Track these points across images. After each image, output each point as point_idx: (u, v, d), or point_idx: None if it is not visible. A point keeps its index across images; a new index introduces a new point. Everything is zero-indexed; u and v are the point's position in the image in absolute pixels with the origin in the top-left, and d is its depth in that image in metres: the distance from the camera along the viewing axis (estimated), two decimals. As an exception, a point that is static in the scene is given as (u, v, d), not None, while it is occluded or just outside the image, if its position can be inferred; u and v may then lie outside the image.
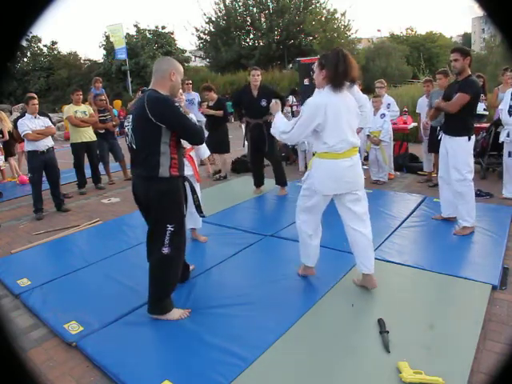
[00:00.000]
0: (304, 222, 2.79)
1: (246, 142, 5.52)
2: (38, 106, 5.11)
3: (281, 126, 2.63)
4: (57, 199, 5.30)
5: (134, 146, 2.37)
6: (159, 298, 2.52)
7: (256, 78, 4.85)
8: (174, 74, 2.39)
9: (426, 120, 4.39)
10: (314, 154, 2.69)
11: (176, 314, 2.54)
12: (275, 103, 2.83)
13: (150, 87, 2.40)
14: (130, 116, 2.43)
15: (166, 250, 2.41)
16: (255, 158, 5.23)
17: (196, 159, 3.58)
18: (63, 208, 5.31)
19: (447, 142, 3.65)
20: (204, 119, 7.40)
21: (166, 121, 2.27)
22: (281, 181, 5.24)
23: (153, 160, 2.31)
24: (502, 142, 4.81)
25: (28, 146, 5.04)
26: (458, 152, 3.56)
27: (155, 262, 2.48)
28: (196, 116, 7.30)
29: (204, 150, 3.59)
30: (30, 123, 4.98)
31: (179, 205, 2.46)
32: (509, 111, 4.64)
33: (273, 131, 2.72)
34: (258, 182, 5.35)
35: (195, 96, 7.50)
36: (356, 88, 2.65)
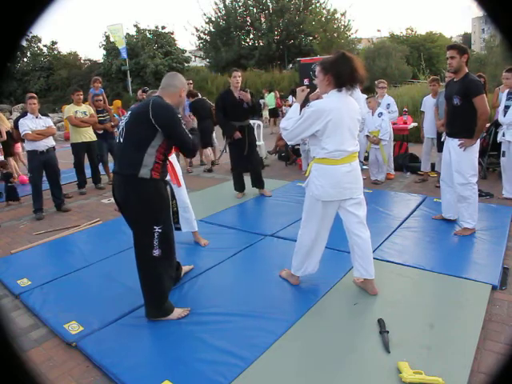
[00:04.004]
0: (305, 234, 2.71)
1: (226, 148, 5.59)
2: (36, 105, 5.08)
3: (284, 122, 2.57)
4: (57, 199, 5.30)
5: (122, 139, 2.35)
6: (158, 302, 2.51)
7: (238, 79, 4.86)
8: (184, 91, 2.56)
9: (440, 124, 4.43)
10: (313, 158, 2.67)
11: (175, 313, 2.54)
12: (301, 90, 2.65)
13: (157, 94, 2.48)
14: (129, 112, 2.44)
15: (156, 252, 2.39)
16: (238, 162, 5.19)
17: (178, 167, 3.56)
18: (63, 208, 5.31)
19: (451, 145, 3.61)
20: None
21: (165, 126, 2.29)
22: (259, 183, 5.26)
23: (137, 157, 2.28)
24: (499, 142, 4.84)
25: (28, 146, 5.05)
26: (462, 155, 3.50)
27: (147, 267, 2.44)
28: None
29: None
30: (31, 123, 4.99)
31: (163, 205, 2.43)
32: (504, 111, 4.66)
33: (281, 124, 2.64)
34: (240, 187, 5.32)
35: None
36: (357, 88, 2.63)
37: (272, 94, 13.65)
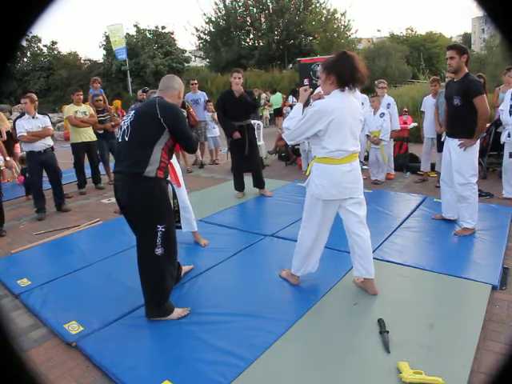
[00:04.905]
0: (305, 234, 2.72)
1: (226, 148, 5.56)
2: (28, 105, 4.98)
3: (287, 121, 2.56)
4: (58, 199, 5.29)
5: (127, 138, 2.37)
6: (158, 302, 2.51)
7: (237, 80, 4.86)
8: (181, 93, 2.66)
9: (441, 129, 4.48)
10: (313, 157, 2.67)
11: (175, 313, 2.54)
12: (304, 90, 2.64)
13: (157, 95, 2.54)
14: (132, 112, 2.46)
15: (159, 251, 2.40)
16: (238, 162, 5.22)
17: (178, 167, 3.57)
18: (63, 208, 5.30)
19: (451, 145, 3.61)
20: (208, 119, 7.46)
21: (172, 124, 2.36)
22: (259, 183, 5.29)
23: (143, 155, 2.31)
24: (503, 142, 4.81)
25: (25, 147, 5.03)
26: (462, 155, 3.50)
27: (149, 266, 2.45)
28: (200, 116, 7.40)
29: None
30: (27, 124, 4.93)
31: (166, 205, 2.46)
32: (510, 111, 4.62)
33: (284, 123, 2.63)
34: (240, 186, 5.34)
35: (201, 96, 7.53)
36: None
37: (278, 94, 14.45)
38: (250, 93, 5.17)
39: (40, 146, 4.98)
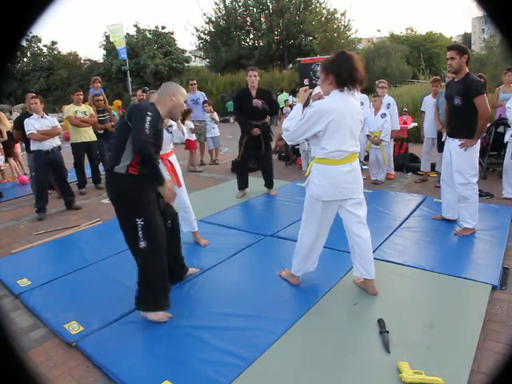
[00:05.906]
0: (305, 234, 2.72)
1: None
2: (38, 104, 5.08)
3: (287, 122, 2.55)
4: (67, 197, 5.33)
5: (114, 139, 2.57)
6: (140, 294, 2.52)
7: (253, 79, 4.82)
8: (174, 95, 2.61)
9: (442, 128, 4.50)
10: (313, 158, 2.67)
11: (157, 315, 2.51)
12: (304, 90, 2.64)
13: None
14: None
15: (143, 244, 2.43)
16: (245, 161, 5.23)
17: (178, 167, 3.56)
18: (74, 206, 5.33)
19: (451, 145, 3.61)
20: (207, 119, 7.45)
21: (130, 120, 2.40)
22: (270, 183, 5.32)
23: (117, 154, 2.42)
24: (502, 142, 4.80)
25: (33, 146, 5.07)
26: (462, 155, 3.50)
27: (138, 259, 2.50)
28: (199, 116, 7.37)
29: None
30: (36, 123, 5.01)
31: (141, 201, 2.43)
32: None
33: (283, 124, 2.61)
34: (244, 185, 5.34)
35: (200, 96, 7.52)
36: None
37: (285, 93, 14.45)
38: (269, 93, 5.11)
39: (48, 145, 5.05)
